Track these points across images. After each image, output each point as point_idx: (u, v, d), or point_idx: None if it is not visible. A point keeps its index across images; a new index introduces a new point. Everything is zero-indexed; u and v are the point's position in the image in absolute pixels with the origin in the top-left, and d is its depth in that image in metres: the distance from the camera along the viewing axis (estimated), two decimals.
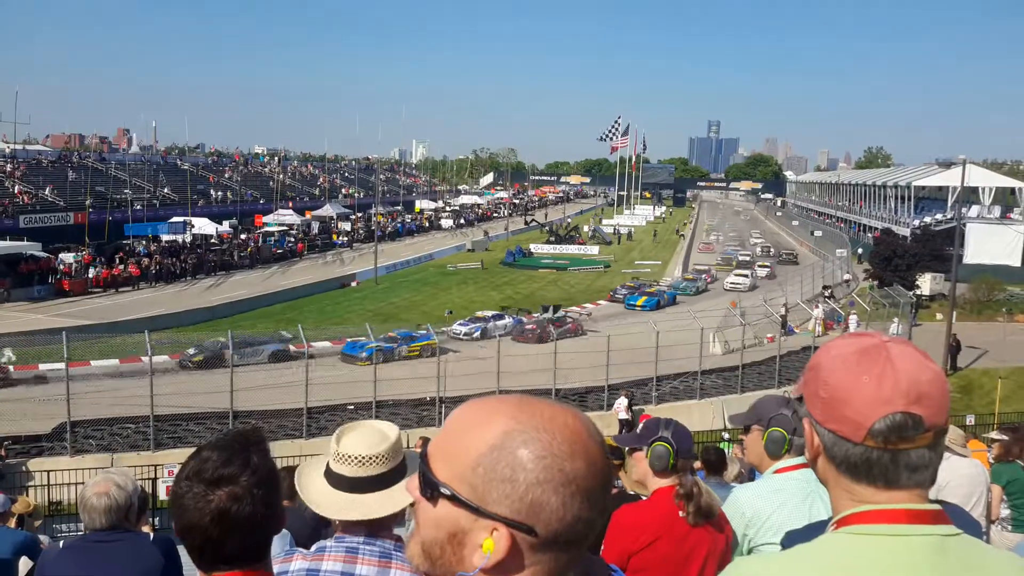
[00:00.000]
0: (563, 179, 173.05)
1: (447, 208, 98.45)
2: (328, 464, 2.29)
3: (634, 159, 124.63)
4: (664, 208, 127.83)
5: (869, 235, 68.05)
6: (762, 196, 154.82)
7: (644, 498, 3.33)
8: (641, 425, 3.46)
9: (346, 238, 68.21)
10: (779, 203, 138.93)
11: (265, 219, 67.95)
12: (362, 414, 22.63)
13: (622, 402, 23.66)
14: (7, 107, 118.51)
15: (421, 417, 22.85)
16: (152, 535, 4.23)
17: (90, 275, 44.41)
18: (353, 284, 50.98)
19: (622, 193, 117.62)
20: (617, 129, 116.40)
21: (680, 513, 3.04)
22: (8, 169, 64.00)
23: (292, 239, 63.03)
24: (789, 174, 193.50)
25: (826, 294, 43.27)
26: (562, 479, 1.01)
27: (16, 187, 60.97)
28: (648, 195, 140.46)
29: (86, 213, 56.40)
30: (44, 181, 63.26)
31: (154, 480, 16.24)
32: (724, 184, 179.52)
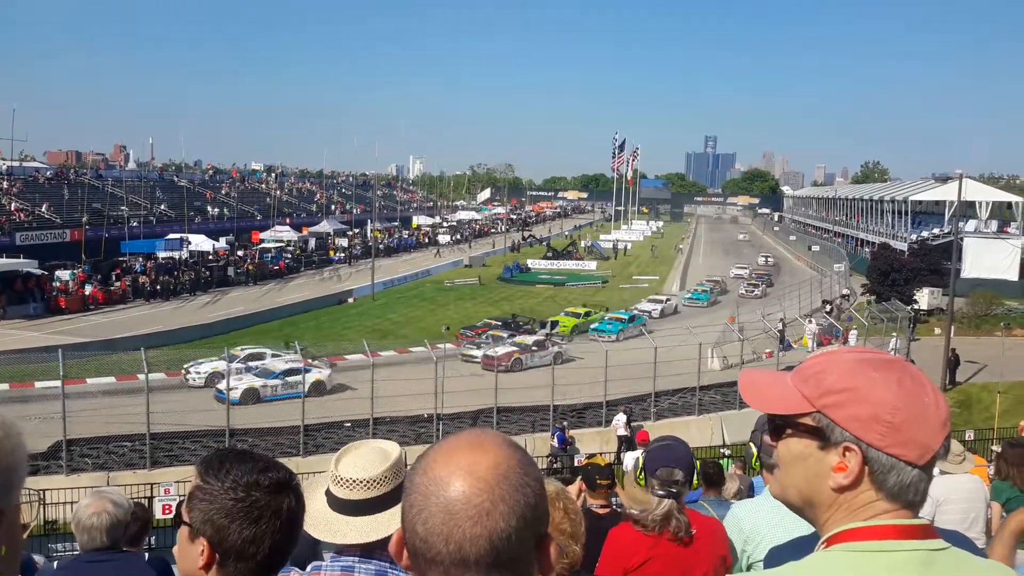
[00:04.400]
0: (560, 194, 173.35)
1: (444, 224, 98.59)
2: (328, 486, 2.28)
3: (631, 175, 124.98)
4: (661, 223, 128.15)
5: (866, 250, 68.19)
6: (759, 211, 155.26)
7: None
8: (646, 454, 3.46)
9: (343, 254, 68.22)
10: (776, 218, 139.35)
11: (262, 235, 67.97)
12: (360, 432, 22.56)
13: (621, 418, 23.60)
14: (4, 124, 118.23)
15: (419, 434, 22.78)
16: (147, 555, 4.22)
17: (86, 292, 44.33)
18: (350, 300, 50.96)
19: (619, 208, 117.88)
20: (615, 144, 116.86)
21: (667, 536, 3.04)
22: (4, 186, 63.94)
23: (289, 255, 63.02)
24: (786, 189, 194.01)
25: (826, 309, 43.31)
26: None
27: (12, 204, 60.92)
28: (645, 210, 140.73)
29: (83, 230, 56.26)
30: (40, 198, 63.20)
31: (150, 499, 16.16)
32: (721, 199, 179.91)
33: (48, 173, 74.32)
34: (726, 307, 46.78)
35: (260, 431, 21.91)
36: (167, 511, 14.02)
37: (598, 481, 4.31)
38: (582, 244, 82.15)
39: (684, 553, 3.04)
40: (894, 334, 34.02)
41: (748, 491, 6.68)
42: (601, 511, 4.16)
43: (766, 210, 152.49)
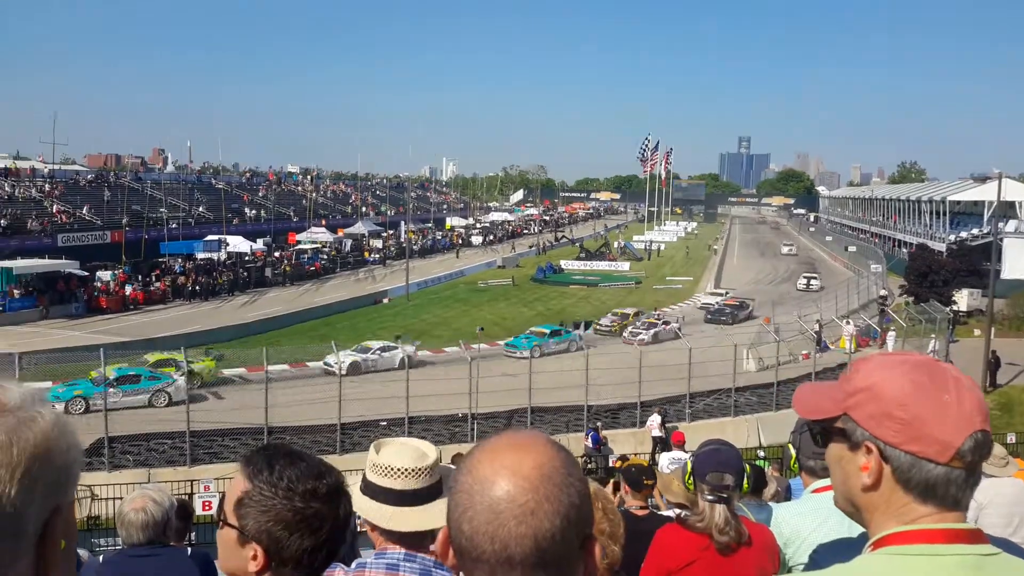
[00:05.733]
0: (593, 195, 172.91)
1: (477, 225, 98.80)
2: (364, 476, 2.30)
3: (664, 175, 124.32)
4: (695, 224, 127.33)
5: (904, 250, 67.14)
6: (794, 212, 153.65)
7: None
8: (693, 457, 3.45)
9: (378, 255, 68.66)
10: (812, 218, 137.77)
11: (298, 237, 68.66)
12: (395, 430, 22.68)
13: (655, 419, 23.47)
14: (45, 129, 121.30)
15: (453, 433, 22.86)
16: (189, 550, 4.28)
17: (127, 293, 45.07)
18: (385, 301, 51.31)
19: (652, 209, 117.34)
20: (648, 147, 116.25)
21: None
22: (47, 189, 65.34)
23: (324, 257, 63.57)
24: (822, 189, 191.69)
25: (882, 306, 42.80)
26: None
27: (54, 206, 62.21)
28: (679, 211, 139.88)
29: (123, 231, 57.32)
30: (81, 200, 64.47)
31: (190, 495, 16.39)
32: (756, 200, 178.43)
33: (88, 176, 75.73)
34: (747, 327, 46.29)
35: (297, 429, 22.08)
36: (207, 507, 14.21)
37: (645, 482, 4.27)
38: (615, 245, 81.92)
39: (734, 556, 3.03)
40: (933, 336, 33.44)
41: (785, 493, 6.62)
42: (640, 512, 4.14)
43: (801, 211, 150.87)
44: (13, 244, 49.07)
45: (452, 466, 2.45)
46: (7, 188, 62.54)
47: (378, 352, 32.14)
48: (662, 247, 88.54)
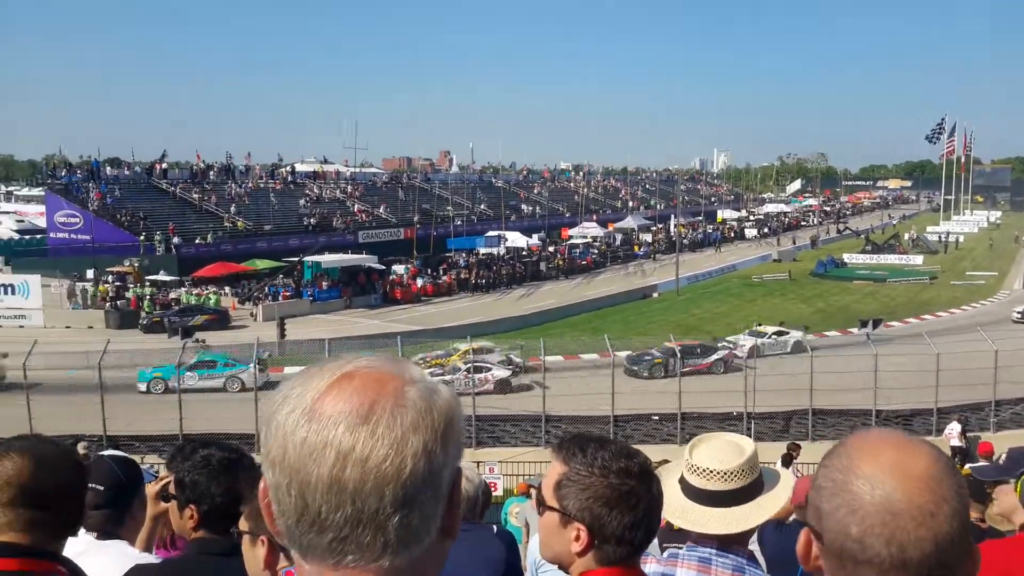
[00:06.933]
0: (880, 184, 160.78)
1: (751, 217, 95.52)
2: (683, 474, 2.34)
3: (963, 160, 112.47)
4: (1000, 213, 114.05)
5: None
6: None
7: (1010, 534, 3.07)
8: (1005, 455, 3.19)
9: (647, 249, 68.73)
10: None
11: (571, 232, 70.50)
12: (667, 424, 22.70)
13: (954, 427, 21.37)
14: (349, 136, 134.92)
15: (725, 431, 22.36)
16: (495, 528, 4.60)
17: (418, 285, 48.79)
18: (655, 295, 51.18)
19: (949, 197, 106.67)
20: (943, 130, 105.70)
21: None
22: (348, 190, 72.56)
23: (595, 251, 64.70)
24: None
25: None
26: None
27: (356, 206, 68.92)
28: (980, 199, 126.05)
29: (414, 228, 62.35)
30: (378, 200, 70.91)
31: None
32: None
33: (384, 178, 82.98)
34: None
35: (573, 419, 22.70)
36: (493, 488, 15.12)
37: (988, 492, 4.00)
38: (905, 237, 75.60)
39: None
40: None
41: None
42: (982, 524, 3.89)
43: None
44: (321, 240, 54.97)
45: (765, 465, 2.43)
46: (315, 190, 70.29)
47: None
48: (960, 239, 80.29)
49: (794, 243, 76.97)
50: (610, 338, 25.62)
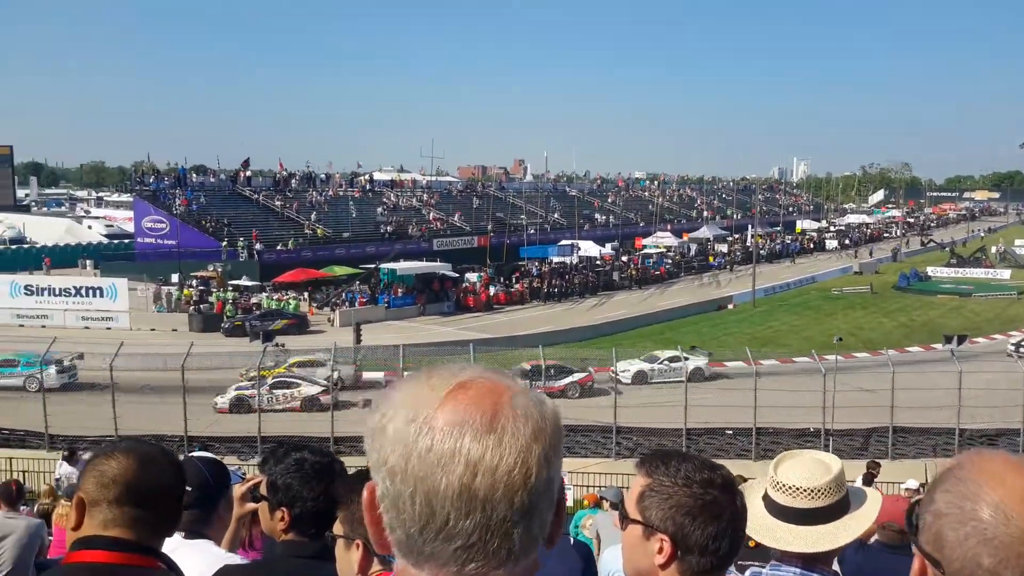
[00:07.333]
0: (966, 195, 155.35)
1: (831, 228, 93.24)
2: (766, 490, 2.32)
3: None
4: None
5: None
6: None
7: None
8: None
9: (723, 259, 67.73)
10: None
11: (644, 241, 69.98)
12: (741, 439, 22.33)
13: None
14: (426, 147, 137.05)
15: (802, 447, 21.81)
16: (572, 540, 4.63)
17: (491, 293, 49.05)
18: (730, 306, 50.41)
19: None
20: None
21: None
22: (424, 198, 73.53)
23: (669, 261, 64.10)
24: None
25: None
26: None
27: (431, 214, 69.79)
28: None
29: (487, 237, 62.71)
30: (453, 208, 71.63)
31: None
32: None
33: (459, 186, 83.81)
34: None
35: (642, 431, 22.53)
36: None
37: None
38: (992, 250, 72.82)
39: None
40: None
41: None
42: None
43: None
44: (397, 248, 55.74)
45: (854, 484, 2.39)
46: (392, 198, 71.43)
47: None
48: None
49: (871, 255, 74.92)
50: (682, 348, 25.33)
